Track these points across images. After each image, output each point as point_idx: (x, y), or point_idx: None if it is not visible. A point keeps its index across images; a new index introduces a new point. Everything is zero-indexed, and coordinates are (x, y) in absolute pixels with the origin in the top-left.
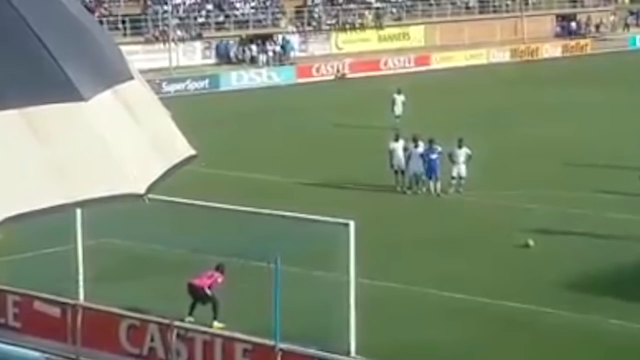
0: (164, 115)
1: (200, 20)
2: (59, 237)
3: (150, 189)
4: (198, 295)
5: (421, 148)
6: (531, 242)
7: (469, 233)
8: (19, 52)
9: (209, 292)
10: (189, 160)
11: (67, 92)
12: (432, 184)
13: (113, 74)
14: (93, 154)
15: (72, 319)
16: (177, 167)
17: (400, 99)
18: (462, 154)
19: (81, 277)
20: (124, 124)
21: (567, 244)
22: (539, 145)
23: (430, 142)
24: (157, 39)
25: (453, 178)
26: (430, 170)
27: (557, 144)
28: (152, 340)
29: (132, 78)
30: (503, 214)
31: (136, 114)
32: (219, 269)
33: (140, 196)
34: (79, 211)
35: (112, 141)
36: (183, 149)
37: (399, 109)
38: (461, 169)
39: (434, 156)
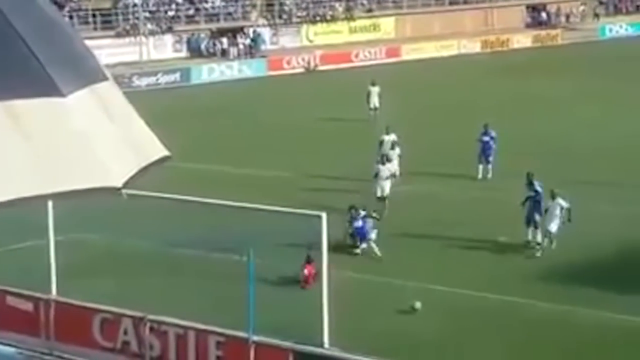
0: (137, 116)
1: (171, 13)
2: (30, 231)
3: (127, 184)
4: None
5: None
6: (418, 305)
7: (444, 225)
8: (2, 50)
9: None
10: (162, 160)
11: (47, 88)
12: (365, 245)
13: (90, 73)
14: (71, 146)
15: (45, 314)
16: (150, 166)
17: (375, 90)
18: (395, 153)
19: (53, 272)
20: (100, 120)
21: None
22: (511, 136)
23: (350, 209)
24: (127, 33)
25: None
26: (360, 235)
27: (529, 134)
28: (125, 333)
29: (107, 79)
30: (479, 206)
31: (111, 112)
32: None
33: (117, 189)
34: (50, 206)
35: (90, 135)
36: (156, 149)
37: (374, 101)
38: (395, 169)
39: (358, 224)
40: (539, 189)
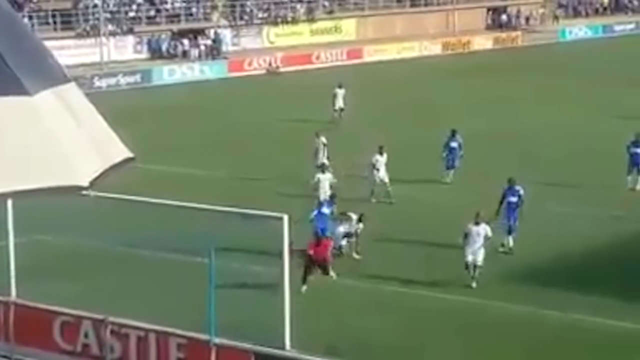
0: (100, 118)
1: (131, 14)
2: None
3: (93, 183)
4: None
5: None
6: None
7: (406, 228)
8: None
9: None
10: (126, 162)
11: (14, 86)
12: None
13: (54, 75)
14: (39, 144)
15: (4, 316)
16: (114, 167)
17: (340, 92)
18: (383, 160)
19: (13, 274)
20: (65, 120)
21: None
22: (473, 137)
23: (332, 197)
24: (87, 34)
25: (385, 184)
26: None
27: (491, 135)
28: (86, 336)
29: (70, 80)
30: (442, 208)
31: (76, 113)
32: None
33: (84, 188)
34: (10, 207)
35: (56, 134)
36: (120, 150)
37: (339, 103)
38: (384, 176)
39: (324, 209)
40: (522, 192)
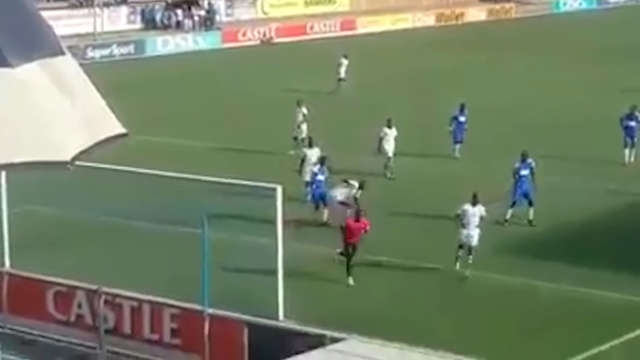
0: (94, 92)
1: None
2: None
3: (75, 159)
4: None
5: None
6: None
7: (402, 199)
8: None
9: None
10: (118, 137)
11: None
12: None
13: (43, 47)
14: (19, 118)
15: None
16: (105, 141)
17: (345, 63)
18: (392, 133)
19: (6, 244)
20: (52, 94)
21: (497, 208)
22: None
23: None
24: (81, 4)
25: (389, 158)
26: (317, 191)
27: (485, 108)
28: (79, 306)
29: (63, 53)
30: (436, 180)
31: (66, 86)
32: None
33: (65, 163)
34: (3, 178)
35: (41, 107)
36: (112, 125)
37: (342, 72)
38: (390, 149)
39: (320, 177)
40: (533, 165)
